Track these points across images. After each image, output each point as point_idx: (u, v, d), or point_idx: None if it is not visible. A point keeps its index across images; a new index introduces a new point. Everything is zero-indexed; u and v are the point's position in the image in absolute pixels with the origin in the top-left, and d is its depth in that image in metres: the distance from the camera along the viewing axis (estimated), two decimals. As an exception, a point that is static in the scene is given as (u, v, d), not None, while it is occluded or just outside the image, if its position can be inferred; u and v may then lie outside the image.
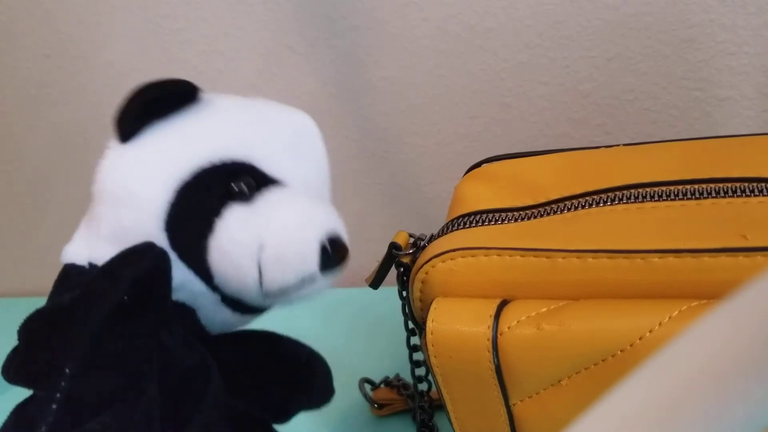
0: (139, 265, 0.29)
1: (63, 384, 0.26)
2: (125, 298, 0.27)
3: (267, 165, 0.32)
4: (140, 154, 0.31)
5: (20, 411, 0.29)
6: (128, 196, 0.31)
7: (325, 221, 0.31)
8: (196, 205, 0.31)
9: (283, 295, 0.31)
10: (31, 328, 0.29)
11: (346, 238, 0.32)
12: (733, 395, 0.13)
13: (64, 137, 0.66)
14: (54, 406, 0.26)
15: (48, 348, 0.28)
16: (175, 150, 0.31)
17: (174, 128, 0.32)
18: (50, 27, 0.63)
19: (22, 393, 0.30)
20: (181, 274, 0.31)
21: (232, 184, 0.31)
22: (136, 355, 0.28)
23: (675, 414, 0.14)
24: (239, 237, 0.30)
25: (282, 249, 0.30)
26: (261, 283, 0.30)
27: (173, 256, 0.31)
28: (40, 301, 0.31)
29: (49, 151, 0.67)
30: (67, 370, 0.26)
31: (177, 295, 0.31)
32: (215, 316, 0.33)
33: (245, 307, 0.33)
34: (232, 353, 0.34)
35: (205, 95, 0.33)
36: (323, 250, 0.30)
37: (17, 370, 0.29)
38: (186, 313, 0.32)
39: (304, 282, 0.30)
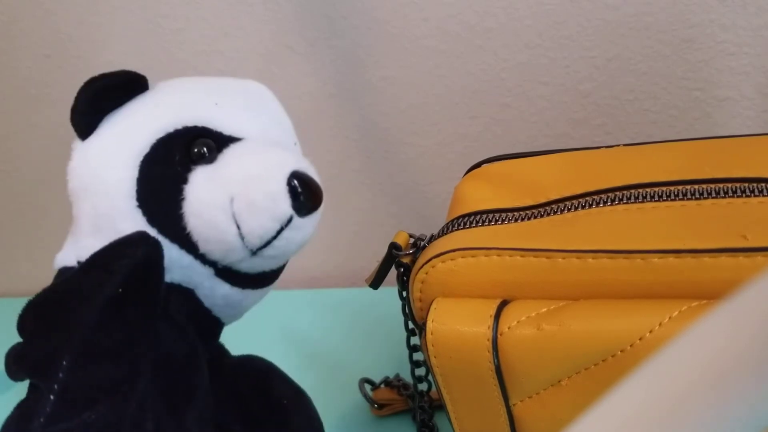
0: (134, 256, 0.29)
1: (61, 376, 0.26)
2: (119, 290, 0.27)
3: (223, 125, 0.32)
4: (100, 143, 0.32)
5: (22, 406, 0.29)
6: (97, 183, 0.31)
7: (290, 161, 0.31)
8: (161, 176, 0.31)
9: (268, 247, 0.31)
10: (26, 321, 0.29)
11: (316, 176, 0.32)
12: (734, 395, 0.13)
13: (64, 137, 0.66)
14: (52, 398, 0.26)
15: (45, 339, 0.28)
16: (131, 129, 0.32)
17: (127, 112, 0.32)
18: (50, 27, 0.63)
19: (23, 393, 0.30)
20: (167, 252, 0.31)
21: (193, 149, 0.31)
22: (131, 346, 0.28)
23: (675, 414, 0.14)
24: (209, 196, 0.30)
25: (250, 194, 0.30)
26: (242, 237, 0.30)
27: (153, 232, 0.31)
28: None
29: (49, 151, 0.67)
30: (64, 362, 0.26)
31: (170, 276, 0.31)
32: (214, 293, 0.33)
33: (241, 278, 0.33)
34: (222, 378, 0.34)
35: (157, 83, 0.34)
36: (293, 189, 0.30)
37: (18, 362, 0.29)
38: (185, 295, 0.32)
39: (283, 227, 0.30)
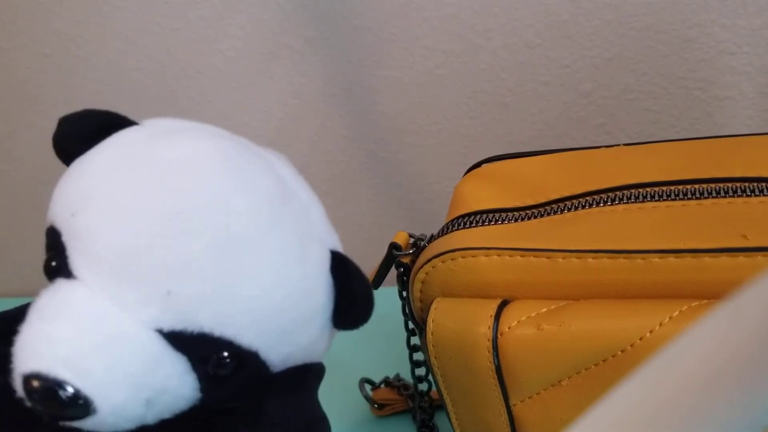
0: None
1: None
2: None
3: (71, 244, 0.25)
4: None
5: None
6: None
7: (31, 354, 0.23)
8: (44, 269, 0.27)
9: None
10: None
11: (60, 377, 0.23)
12: (735, 396, 0.13)
13: (63, 137, 0.66)
14: None
15: None
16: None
17: (80, 161, 0.29)
18: (50, 26, 0.63)
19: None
20: None
21: (48, 260, 0.26)
22: None
23: (676, 415, 0.14)
24: None
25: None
26: None
27: None
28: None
29: (48, 150, 0.67)
30: None
31: None
32: None
33: None
34: None
35: (132, 127, 0.29)
36: (24, 391, 0.23)
37: None
38: None
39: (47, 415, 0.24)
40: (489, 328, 0.30)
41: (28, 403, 0.24)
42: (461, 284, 0.32)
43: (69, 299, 0.24)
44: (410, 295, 0.33)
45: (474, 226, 0.34)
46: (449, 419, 0.34)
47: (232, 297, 0.25)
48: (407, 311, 0.35)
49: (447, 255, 0.32)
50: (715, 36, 0.52)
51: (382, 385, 0.46)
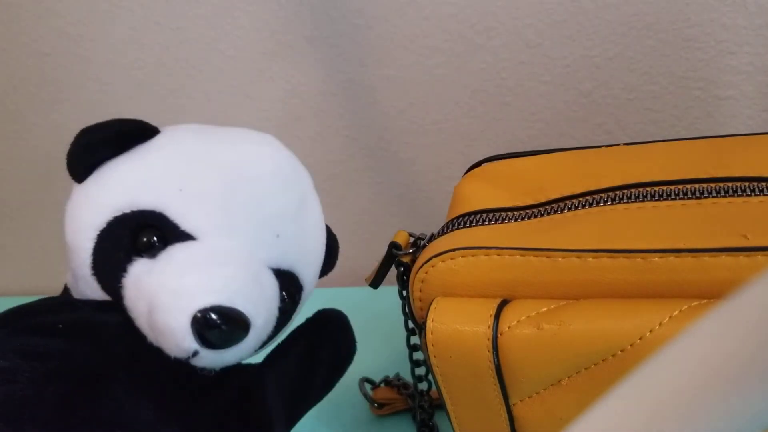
0: None
1: None
2: None
3: (180, 216, 0.30)
4: (77, 201, 0.32)
5: None
6: (69, 246, 0.32)
7: (205, 291, 0.28)
8: (108, 257, 0.30)
9: (193, 360, 0.29)
10: None
11: (237, 307, 0.28)
12: (735, 396, 0.13)
13: (63, 136, 0.66)
14: None
15: None
16: (97, 197, 0.31)
17: (105, 173, 0.32)
18: (50, 25, 0.63)
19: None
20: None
21: (141, 237, 0.30)
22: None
23: (674, 415, 0.13)
24: (135, 297, 0.29)
25: (156, 321, 0.28)
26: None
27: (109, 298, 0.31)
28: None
29: (48, 150, 0.67)
30: None
31: None
32: None
33: None
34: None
35: (168, 129, 0.33)
36: (198, 327, 0.27)
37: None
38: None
39: (192, 355, 0.28)
40: (489, 327, 0.30)
41: (191, 340, 0.27)
42: (461, 284, 0.32)
43: (212, 250, 0.29)
44: (410, 294, 0.33)
45: (474, 226, 0.34)
46: (449, 419, 0.34)
47: (304, 239, 0.33)
48: (407, 311, 0.35)
49: (447, 254, 0.32)
50: (715, 35, 0.52)
51: (382, 385, 0.46)
